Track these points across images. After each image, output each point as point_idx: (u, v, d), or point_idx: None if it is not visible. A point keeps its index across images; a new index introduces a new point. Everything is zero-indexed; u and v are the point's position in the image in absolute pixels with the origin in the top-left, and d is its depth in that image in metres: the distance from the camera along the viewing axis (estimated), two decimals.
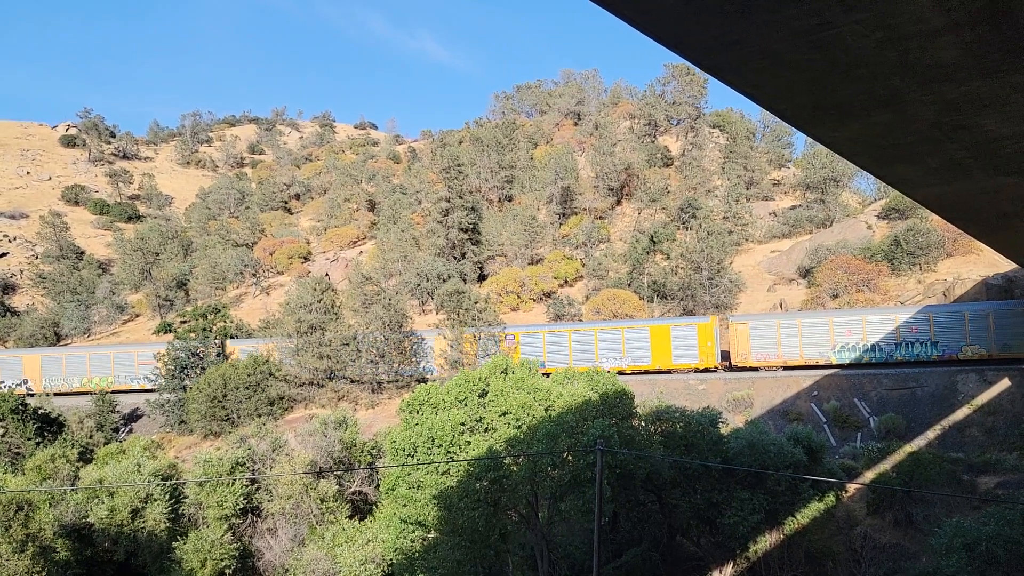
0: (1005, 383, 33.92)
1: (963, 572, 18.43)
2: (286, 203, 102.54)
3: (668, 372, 41.81)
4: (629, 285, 54.45)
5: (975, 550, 18.59)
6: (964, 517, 21.11)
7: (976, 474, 28.08)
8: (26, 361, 53.15)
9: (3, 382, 52.48)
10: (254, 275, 74.37)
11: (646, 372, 42.19)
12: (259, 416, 40.22)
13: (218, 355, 47.71)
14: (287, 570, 26.24)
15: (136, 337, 65.76)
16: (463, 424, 22.81)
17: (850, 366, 38.81)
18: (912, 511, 25.55)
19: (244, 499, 28.12)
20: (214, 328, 52.84)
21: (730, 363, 41.31)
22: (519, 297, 57.77)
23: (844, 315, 39.83)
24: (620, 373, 41.99)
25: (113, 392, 48.28)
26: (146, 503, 27.63)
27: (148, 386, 47.98)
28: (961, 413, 33.50)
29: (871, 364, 38.40)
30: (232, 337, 52.04)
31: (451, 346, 42.61)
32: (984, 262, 44.87)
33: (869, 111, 10.37)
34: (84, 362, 52.94)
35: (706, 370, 41.12)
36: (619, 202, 74.38)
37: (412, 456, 22.47)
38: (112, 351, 53.52)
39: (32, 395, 48.58)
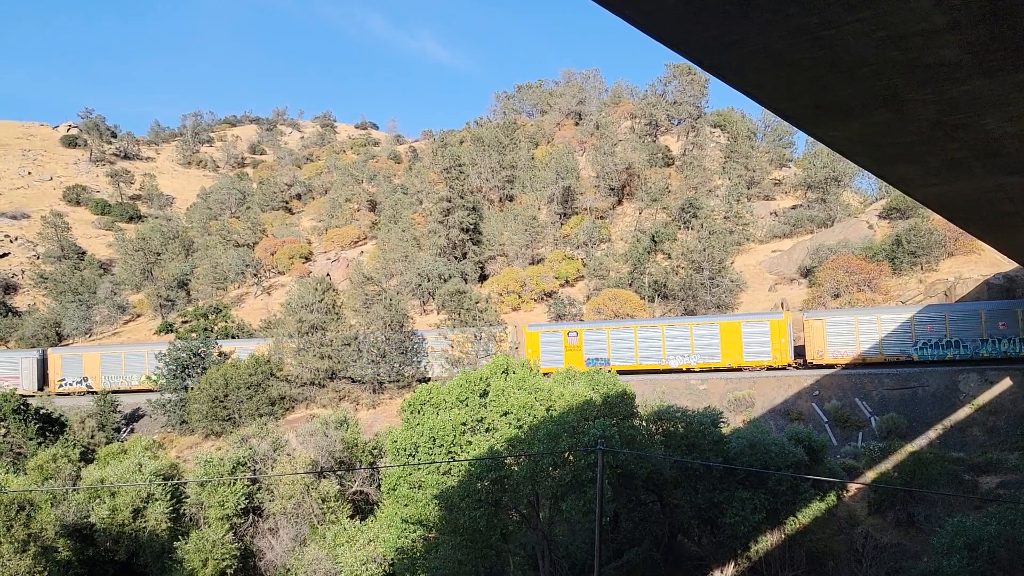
0: (1007, 383, 33.88)
1: (965, 572, 18.41)
2: (287, 203, 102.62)
3: (739, 370, 40.78)
4: (630, 285, 54.43)
5: (977, 550, 18.58)
6: (966, 517, 21.09)
7: (978, 474, 28.06)
8: (86, 359, 52.99)
9: (64, 379, 52.53)
10: (255, 275, 74.43)
11: (717, 370, 41.21)
12: (260, 416, 40.24)
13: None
14: (288, 570, 26.25)
15: (138, 337, 65.79)
16: (464, 424, 22.80)
17: (919, 363, 37.72)
18: (914, 511, 25.54)
19: (245, 499, 28.14)
20: (214, 328, 52.91)
21: (805, 360, 40.31)
22: (520, 297, 57.76)
23: (926, 311, 38.32)
24: (688, 371, 41.52)
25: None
26: (147, 503, 27.65)
27: None
28: (962, 413, 33.47)
29: (956, 361, 36.88)
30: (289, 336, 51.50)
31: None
32: (986, 261, 44.83)
33: (870, 110, 10.35)
34: (143, 359, 52.40)
35: (780, 367, 40.03)
36: (620, 202, 74.36)
37: (413, 456, 22.47)
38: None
39: (93, 392, 48.36)
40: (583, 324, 45.35)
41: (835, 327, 39.11)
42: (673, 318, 45.41)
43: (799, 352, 41.58)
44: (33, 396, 49.27)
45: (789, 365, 40.10)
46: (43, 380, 52.79)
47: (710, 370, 41.25)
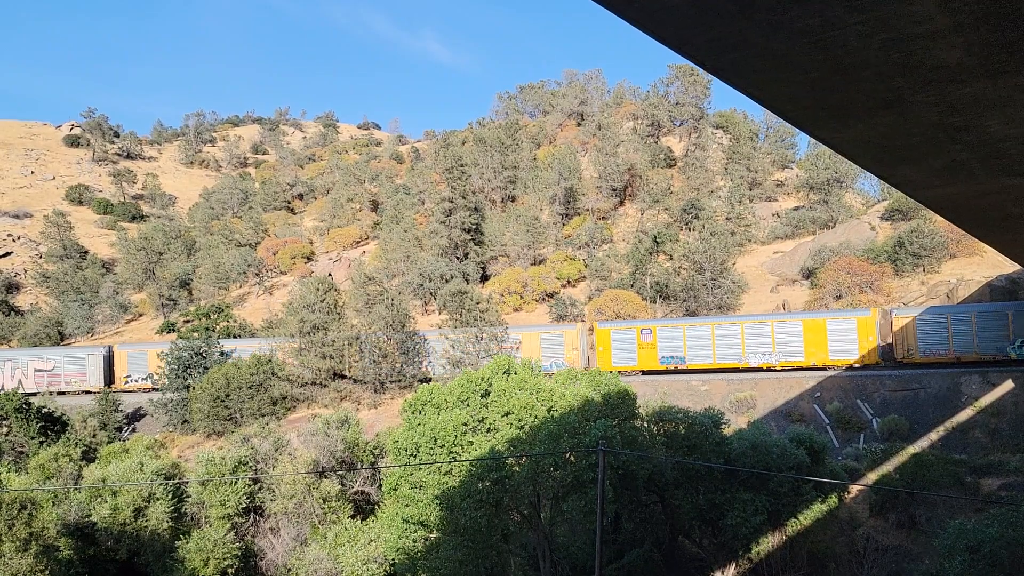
0: (1009, 385, 33.83)
1: (966, 574, 18.38)
2: (289, 203, 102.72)
3: (823, 368, 39.39)
4: (632, 286, 54.42)
5: (978, 552, 18.54)
6: (967, 519, 21.06)
7: (979, 476, 28.01)
8: (151, 356, 52.72)
9: (130, 376, 52.72)
10: (257, 275, 74.49)
11: (799, 368, 39.94)
12: (262, 416, 40.28)
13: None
14: (289, 570, 26.27)
15: (140, 336, 65.85)
16: (465, 424, 22.81)
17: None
18: (915, 513, 25.51)
19: (247, 498, 28.16)
20: (216, 328, 52.91)
21: (893, 358, 38.84)
22: (522, 297, 57.78)
23: None
24: (769, 369, 40.38)
25: None
26: (149, 502, 27.68)
27: None
28: (964, 415, 33.42)
29: None
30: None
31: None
32: (988, 263, 44.78)
33: (872, 112, 10.34)
34: None
35: (866, 366, 38.52)
36: (622, 203, 74.36)
37: (414, 456, 22.48)
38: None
39: (157, 390, 48.49)
40: (658, 321, 44.03)
41: (927, 325, 37.37)
42: (754, 315, 43.83)
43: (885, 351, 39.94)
44: (100, 392, 49.35)
45: (877, 364, 38.54)
46: (109, 376, 52.97)
47: (792, 369, 40.06)
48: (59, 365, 52.97)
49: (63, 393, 50.90)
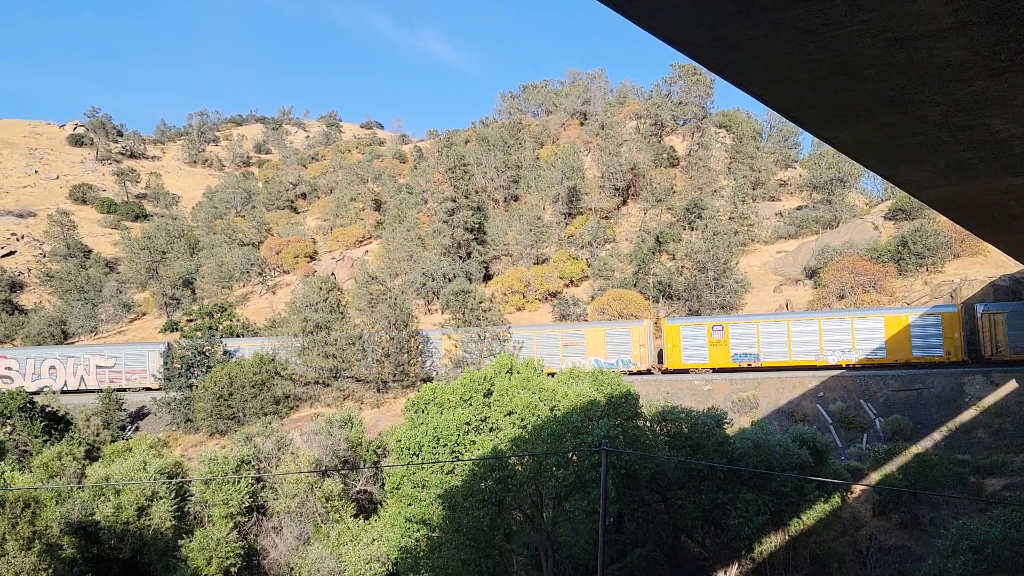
0: (1012, 385, 33.77)
1: (969, 575, 18.35)
2: (292, 202, 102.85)
3: (906, 366, 37.97)
4: (635, 285, 54.37)
5: (981, 552, 18.51)
6: (970, 519, 21.01)
7: (983, 476, 27.95)
8: None
9: None
10: (260, 274, 74.56)
11: (881, 367, 38.47)
12: (265, 415, 40.32)
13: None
14: (292, 568, 26.30)
15: (143, 336, 65.96)
16: (468, 424, 22.82)
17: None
18: (918, 513, 25.46)
19: (250, 498, 28.21)
20: (219, 327, 52.98)
21: (980, 356, 37.26)
22: (524, 297, 57.78)
23: None
24: (849, 367, 39.16)
25: None
26: (152, 501, 27.74)
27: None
28: (968, 415, 33.36)
29: None
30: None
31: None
32: (991, 263, 44.68)
33: (876, 111, 10.33)
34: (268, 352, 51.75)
35: (952, 364, 37.13)
36: (625, 202, 74.33)
37: (417, 455, 22.50)
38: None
39: None
40: (729, 317, 42.83)
41: (1017, 320, 35.92)
42: (832, 311, 42.73)
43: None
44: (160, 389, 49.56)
45: (963, 361, 37.22)
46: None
47: (873, 367, 38.72)
48: (120, 362, 53.00)
49: (123, 390, 50.83)
